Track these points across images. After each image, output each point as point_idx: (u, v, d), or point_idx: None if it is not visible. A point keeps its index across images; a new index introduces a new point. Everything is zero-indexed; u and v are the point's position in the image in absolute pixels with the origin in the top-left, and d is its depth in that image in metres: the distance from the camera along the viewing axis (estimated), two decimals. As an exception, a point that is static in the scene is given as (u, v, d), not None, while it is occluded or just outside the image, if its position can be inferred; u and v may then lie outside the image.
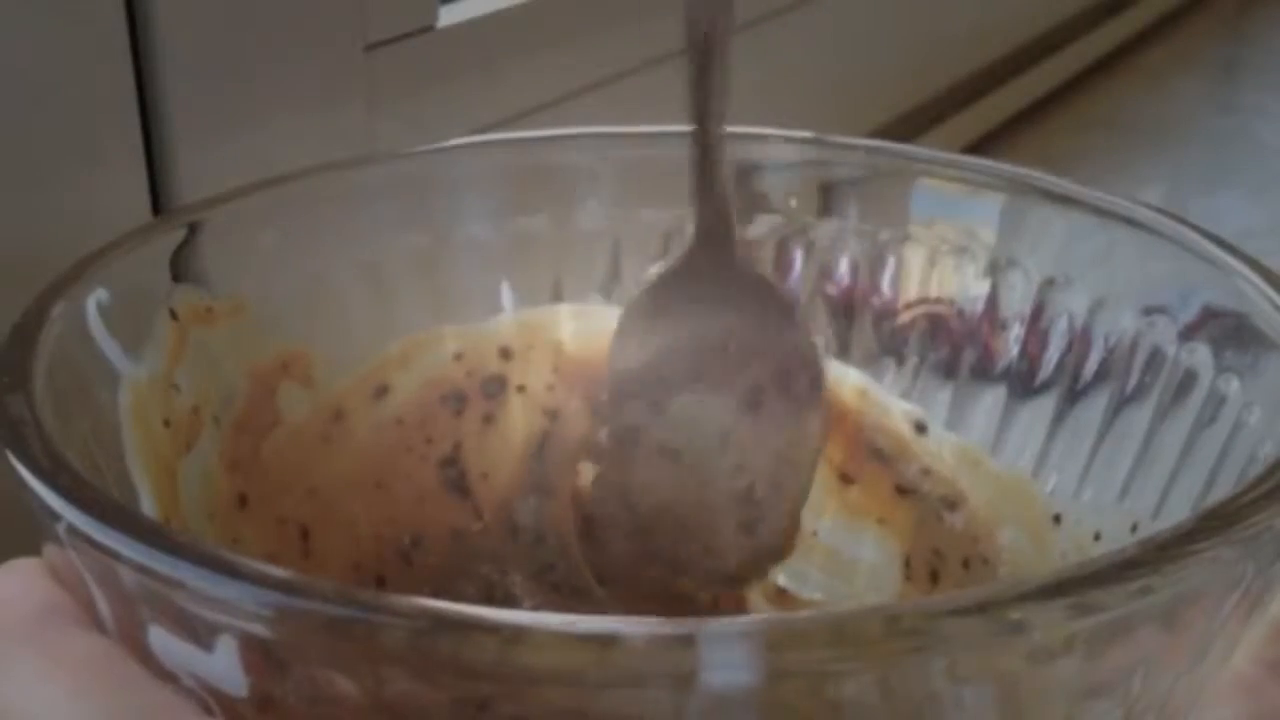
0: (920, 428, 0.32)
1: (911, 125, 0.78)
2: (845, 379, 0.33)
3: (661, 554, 0.32)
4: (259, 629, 0.18)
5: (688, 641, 0.17)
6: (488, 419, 0.33)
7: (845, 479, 0.33)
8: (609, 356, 0.32)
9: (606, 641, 0.17)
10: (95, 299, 0.26)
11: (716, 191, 0.30)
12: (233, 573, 0.18)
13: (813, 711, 0.18)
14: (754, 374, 0.31)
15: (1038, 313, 0.31)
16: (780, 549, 0.32)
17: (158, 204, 0.39)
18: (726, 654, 0.17)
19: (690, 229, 0.31)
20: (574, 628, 0.17)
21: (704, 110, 0.30)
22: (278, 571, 0.18)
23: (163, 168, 0.39)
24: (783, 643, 0.17)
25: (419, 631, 0.17)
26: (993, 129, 0.86)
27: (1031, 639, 0.18)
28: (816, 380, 0.31)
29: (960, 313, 0.32)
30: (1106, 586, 0.18)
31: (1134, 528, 0.27)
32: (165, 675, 0.20)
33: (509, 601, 0.33)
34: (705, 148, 0.30)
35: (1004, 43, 0.89)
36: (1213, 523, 0.19)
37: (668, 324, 0.31)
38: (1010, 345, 0.31)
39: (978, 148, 0.82)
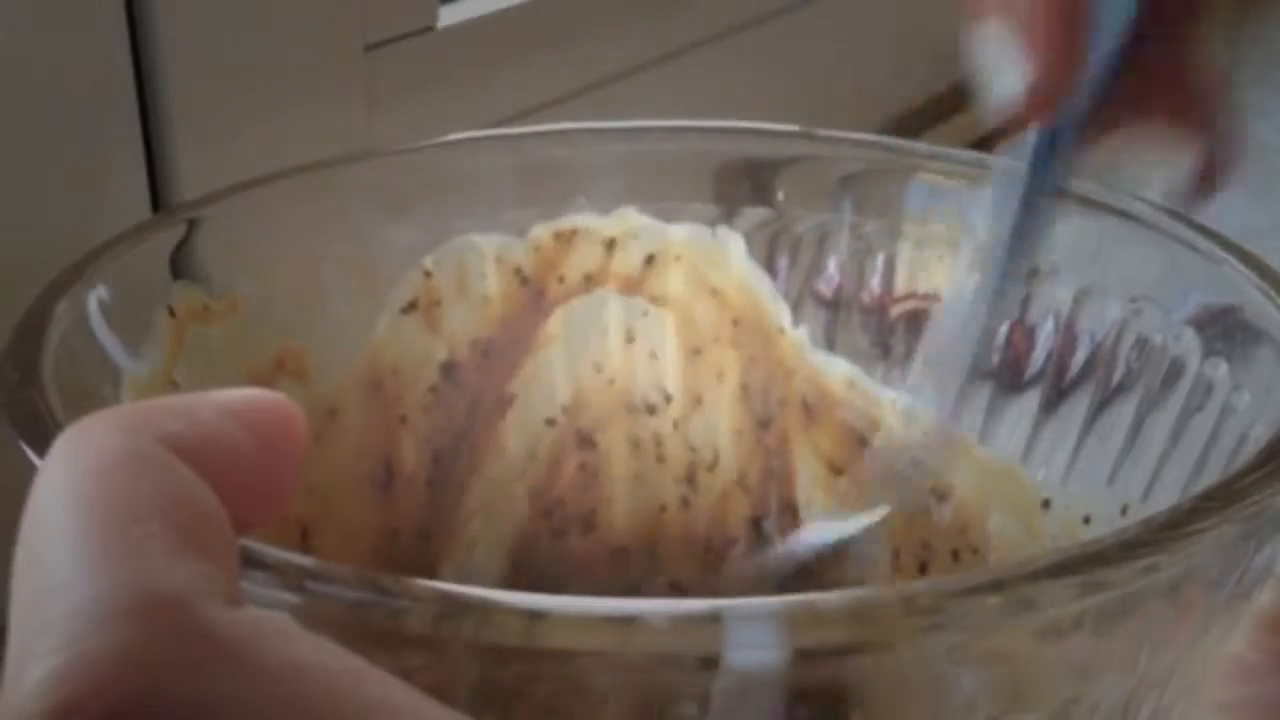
0: (910, 417, 0.32)
1: (912, 125, 0.78)
2: (834, 369, 0.33)
3: None
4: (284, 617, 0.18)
5: (712, 621, 0.17)
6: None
7: (835, 469, 0.33)
8: None
9: (628, 621, 0.17)
10: (96, 296, 0.27)
11: None
12: (256, 562, 0.18)
13: (833, 688, 0.18)
14: None
15: (1025, 306, 0.31)
16: None
17: (157, 203, 0.39)
18: (751, 633, 0.17)
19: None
20: (596, 608, 0.17)
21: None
22: (301, 559, 0.18)
23: (163, 167, 0.39)
24: (805, 622, 0.17)
25: (441, 615, 0.17)
26: (993, 129, 0.85)
27: (1043, 616, 0.18)
28: None
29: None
30: (1114, 565, 0.18)
31: (1124, 510, 0.28)
32: None
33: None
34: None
35: (1005, 42, 0.89)
36: (1215, 502, 0.20)
37: None
38: (998, 341, 0.31)
39: (978, 147, 0.82)
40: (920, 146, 0.33)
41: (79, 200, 0.37)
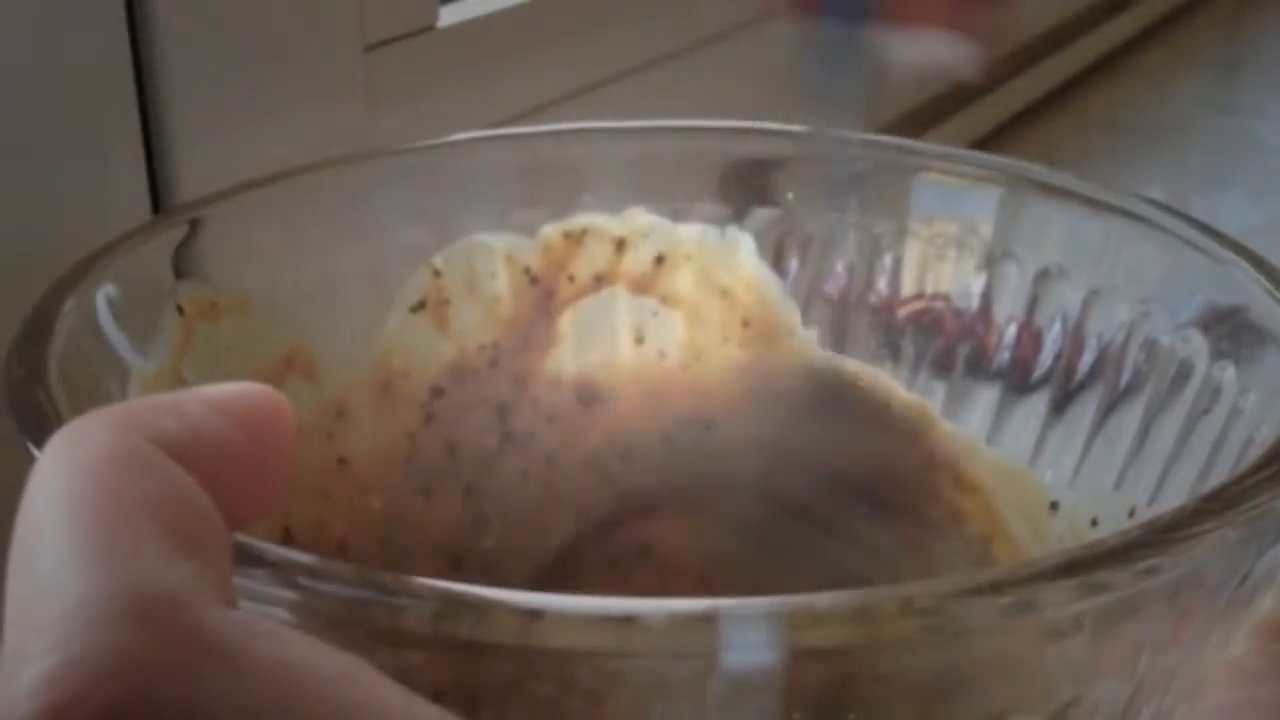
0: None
1: (913, 125, 0.78)
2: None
3: None
4: (283, 614, 0.18)
5: (708, 621, 0.17)
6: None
7: None
8: None
9: (626, 621, 0.17)
10: (104, 294, 0.27)
11: None
12: (254, 559, 0.18)
13: (830, 690, 0.18)
14: None
15: (1033, 307, 0.31)
16: None
17: (158, 203, 0.39)
18: (747, 634, 0.17)
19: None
20: (593, 608, 0.17)
21: None
22: (300, 556, 0.18)
23: (163, 167, 0.39)
24: (803, 622, 0.17)
25: (438, 614, 0.17)
26: (993, 128, 0.86)
27: (1042, 618, 0.18)
28: None
29: (956, 309, 0.32)
30: (1114, 567, 0.18)
31: (1131, 513, 0.28)
32: None
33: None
34: None
35: (1003, 43, 0.89)
36: (1217, 505, 0.20)
37: None
38: (1006, 342, 0.31)
39: (978, 147, 0.82)
40: (926, 146, 0.33)
41: (79, 200, 0.37)
